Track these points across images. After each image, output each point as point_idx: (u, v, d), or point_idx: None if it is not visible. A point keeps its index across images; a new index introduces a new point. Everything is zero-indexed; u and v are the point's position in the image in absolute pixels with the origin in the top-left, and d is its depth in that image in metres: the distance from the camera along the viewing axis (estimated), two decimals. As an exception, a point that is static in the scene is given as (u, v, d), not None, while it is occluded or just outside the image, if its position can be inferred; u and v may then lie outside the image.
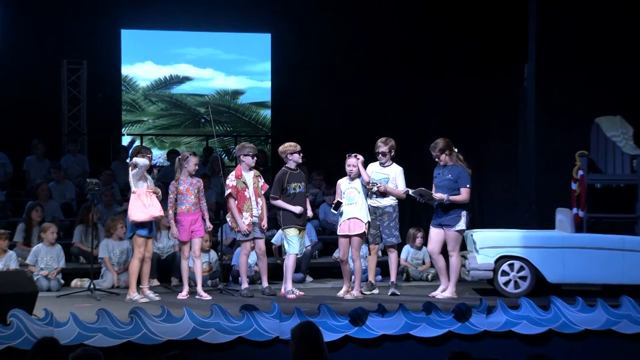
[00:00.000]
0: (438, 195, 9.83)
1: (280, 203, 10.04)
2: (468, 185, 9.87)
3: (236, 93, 17.60)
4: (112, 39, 16.55)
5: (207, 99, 17.44)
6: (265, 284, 10.18)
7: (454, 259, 9.88)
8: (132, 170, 9.71)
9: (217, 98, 17.57)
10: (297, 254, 10.17)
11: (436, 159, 10.02)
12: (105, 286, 10.67)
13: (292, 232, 10.02)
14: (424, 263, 11.72)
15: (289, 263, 10.02)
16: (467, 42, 14.74)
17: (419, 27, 15.24)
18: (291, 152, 10.12)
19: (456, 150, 10.02)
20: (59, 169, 13.47)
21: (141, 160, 9.58)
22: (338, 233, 10.03)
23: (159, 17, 16.39)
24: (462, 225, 9.87)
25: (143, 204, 9.62)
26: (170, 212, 10.03)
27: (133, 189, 9.68)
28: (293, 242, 10.03)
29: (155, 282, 10.94)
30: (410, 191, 10.00)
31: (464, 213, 9.87)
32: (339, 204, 9.92)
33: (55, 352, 5.51)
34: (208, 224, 10.18)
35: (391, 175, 10.15)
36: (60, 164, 13.78)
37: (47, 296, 9.89)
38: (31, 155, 13.94)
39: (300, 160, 10.15)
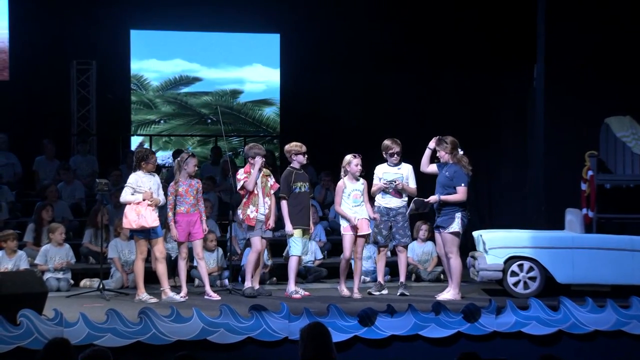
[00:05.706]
0: (432, 199, 9.80)
1: (283, 207, 10.02)
2: (464, 184, 9.72)
3: (236, 92, 17.55)
4: (122, 40, 16.56)
5: (210, 100, 17.41)
6: (256, 285, 10.08)
7: (452, 260, 9.76)
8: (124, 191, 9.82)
9: (220, 98, 17.53)
10: (300, 255, 10.15)
11: (437, 152, 9.90)
12: (115, 286, 10.69)
13: (296, 234, 10.02)
14: (432, 257, 11.63)
15: (292, 264, 10.01)
16: (476, 42, 14.73)
17: (429, 26, 15.22)
18: (296, 153, 10.12)
19: (462, 152, 9.94)
20: (68, 170, 13.48)
21: (131, 198, 9.70)
22: (350, 228, 9.96)
23: (168, 17, 16.40)
24: (455, 227, 9.70)
25: (137, 213, 9.64)
26: (170, 213, 9.95)
27: (130, 200, 9.71)
28: (296, 244, 10.01)
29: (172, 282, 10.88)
30: (408, 211, 10.02)
31: (458, 215, 9.71)
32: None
33: (66, 353, 5.50)
34: (204, 226, 10.08)
35: (404, 174, 10.18)
36: (69, 165, 13.79)
37: (57, 296, 9.91)
38: (41, 156, 13.95)
39: (304, 162, 10.17)
